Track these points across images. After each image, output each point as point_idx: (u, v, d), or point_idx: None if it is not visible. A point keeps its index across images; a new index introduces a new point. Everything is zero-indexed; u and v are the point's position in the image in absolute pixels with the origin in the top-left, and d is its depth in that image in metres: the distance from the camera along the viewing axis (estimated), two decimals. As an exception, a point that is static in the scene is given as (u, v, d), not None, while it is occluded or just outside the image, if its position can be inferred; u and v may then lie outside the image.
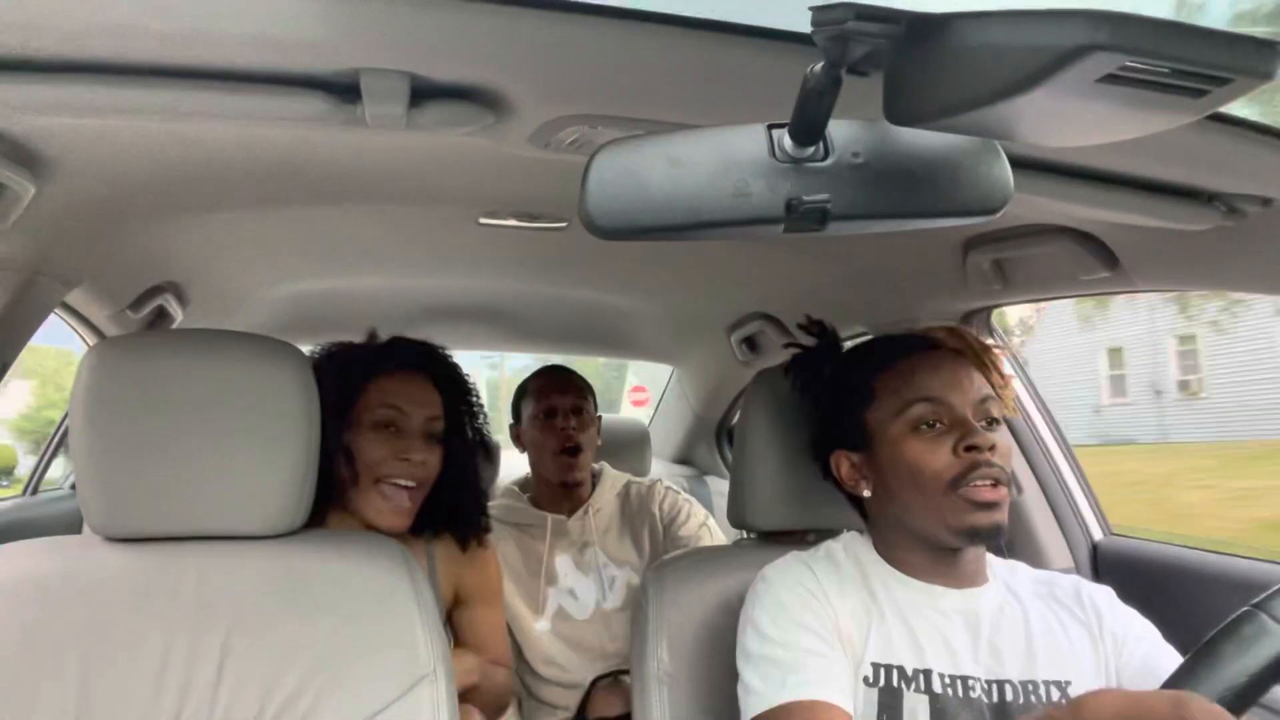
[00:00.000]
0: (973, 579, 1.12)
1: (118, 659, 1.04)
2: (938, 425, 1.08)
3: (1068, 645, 1.08)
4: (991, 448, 1.05)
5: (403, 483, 1.41)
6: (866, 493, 1.15)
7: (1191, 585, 1.54)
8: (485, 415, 1.60)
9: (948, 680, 1.05)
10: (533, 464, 2.08)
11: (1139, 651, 1.08)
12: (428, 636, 1.10)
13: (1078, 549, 1.78)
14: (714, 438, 3.09)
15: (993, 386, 1.12)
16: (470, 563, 1.57)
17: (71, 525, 1.87)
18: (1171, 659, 1.05)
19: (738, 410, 2.80)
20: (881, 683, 1.05)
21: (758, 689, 1.04)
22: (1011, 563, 1.19)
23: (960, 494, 1.04)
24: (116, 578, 1.08)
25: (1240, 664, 0.76)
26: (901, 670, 1.05)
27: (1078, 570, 1.76)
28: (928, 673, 1.05)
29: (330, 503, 1.41)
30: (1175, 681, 0.81)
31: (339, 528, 1.43)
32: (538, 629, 1.94)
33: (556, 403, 2.02)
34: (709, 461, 3.13)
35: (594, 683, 1.88)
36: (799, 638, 1.05)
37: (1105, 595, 1.14)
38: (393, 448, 1.41)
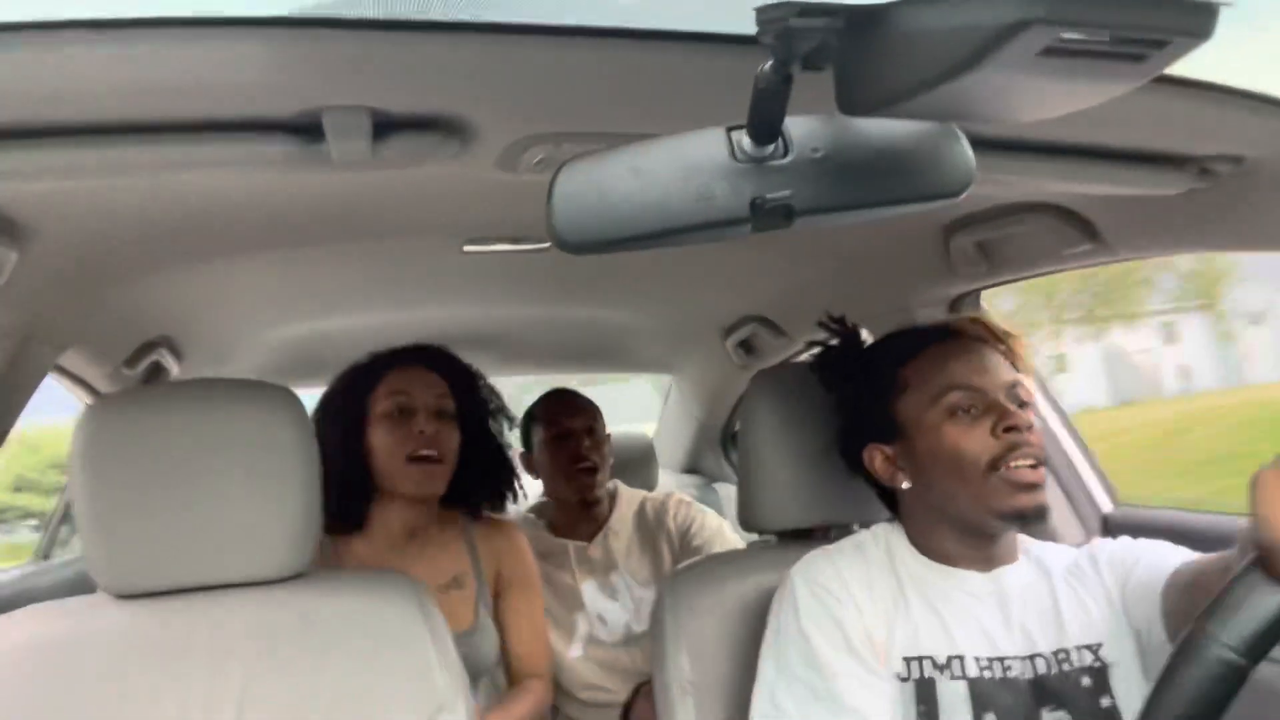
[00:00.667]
0: (1003, 559, 1.12)
1: (136, 714, 1.04)
2: (973, 410, 1.08)
3: (1095, 609, 1.08)
4: (1029, 427, 1.06)
5: (425, 453, 1.52)
6: (906, 484, 1.14)
7: (1201, 548, 1.53)
8: (498, 395, 1.72)
9: (984, 663, 1.04)
10: (548, 489, 2.07)
11: (1137, 572, 1.08)
12: (444, 668, 1.10)
13: (1088, 522, 1.77)
14: (719, 444, 3.09)
15: (1017, 372, 1.13)
16: (508, 549, 1.65)
17: (86, 589, 1.87)
18: (1175, 554, 1.07)
19: (740, 414, 2.81)
20: (915, 675, 1.05)
21: (790, 712, 1.04)
22: (1046, 544, 1.19)
23: (1001, 475, 1.04)
24: (129, 635, 1.09)
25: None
26: (933, 660, 1.05)
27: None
28: (961, 658, 1.05)
29: (370, 498, 1.55)
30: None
31: (383, 514, 1.55)
32: (570, 656, 1.92)
33: (569, 426, 2.00)
34: (716, 468, 3.13)
35: (637, 689, 1.84)
36: (829, 658, 1.04)
37: (1112, 544, 1.15)
38: (409, 427, 1.52)
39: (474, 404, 1.64)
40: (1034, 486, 1.05)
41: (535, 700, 1.64)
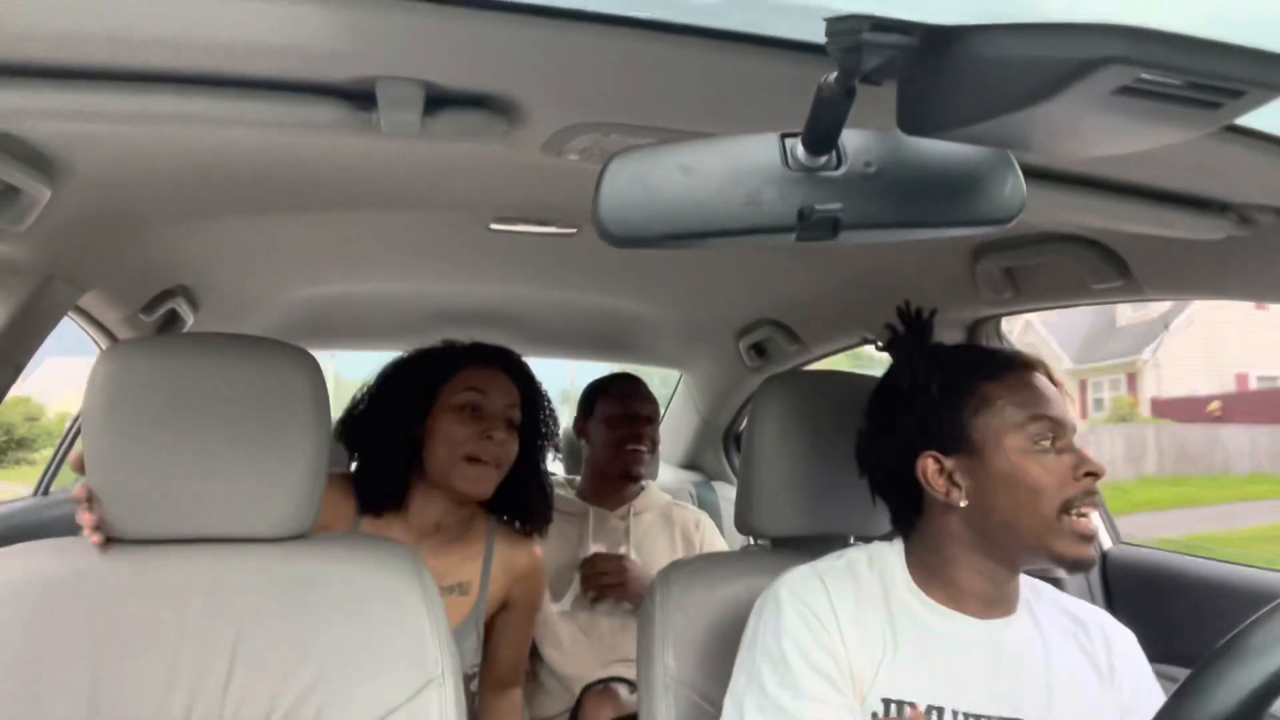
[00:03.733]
0: (1005, 607, 1.09)
1: (128, 660, 1.05)
2: (1056, 446, 1.05)
3: (1084, 688, 1.06)
4: (1101, 474, 1.04)
5: (486, 459, 1.53)
6: (962, 502, 1.07)
7: (1199, 594, 1.54)
8: (557, 421, 1.73)
9: (960, 718, 1.03)
10: (596, 458, 2.19)
11: (1131, 699, 1.06)
12: (436, 641, 1.11)
13: (1087, 558, 1.77)
14: (721, 443, 3.09)
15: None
16: (526, 570, 1.66)
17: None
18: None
19: (745, 416, 2.81)
20: (892, 718, 1.03)
21: None
22: (1033, 582, 1.15)
23: (1070, 520, 1.02)
24: (127, 579, 1.09)
25: None
26: (913, 707, 1.03)
27: (1086, 579, 1.75)
28: (940, 710, 1.03)
29: (413, 483, 1.56)
30: None
31: (420, 502, 1.56)
32: (555, 608, 1.98)
33: (636, 410, 2.16)
34: (716, 467, 3.13)
35: (585, 690, 1.89)
36: (804, 681, 1.02)
37: (1125, 640, 1.12)
38: (478, 427, 1.53)
39: (537, 422, 1.66)
40: (1091, 539, 1.04)
41: (519, 713, 1.71)
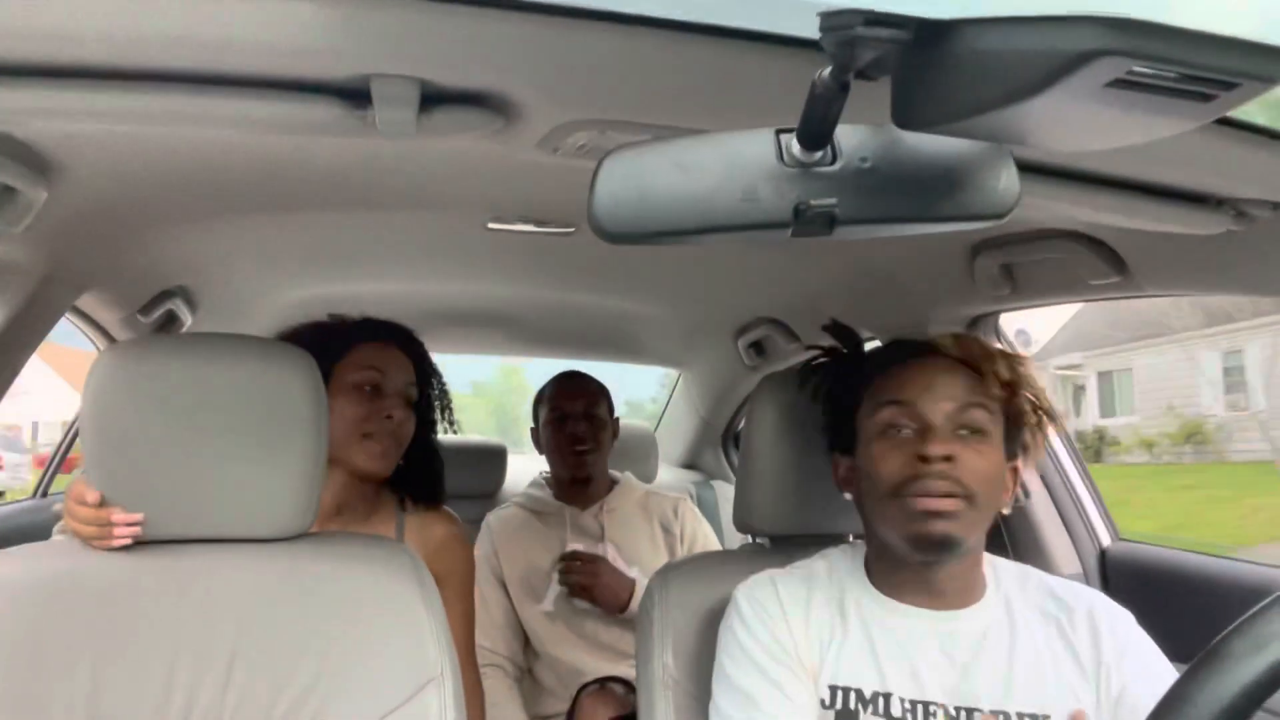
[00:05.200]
0: (956, 599, 1.08)
1: (127, 660, 1.05)
2: (904, 430, 1.05)
3: (1053, 676, 1.03)
4: (947, 458, 1.01)
5: (385, 437, 1.50)
6: (846, 495, 1.15)
7: (1199, 591, 1.54)
8: (448, 394, 1.70)
9: (908, 705, 1.02)
10: (549, 465, 2.17)
11: (1118, 682, 1.02)
12: (436, 640, 1.10)
13: (1086, 555, 1.77)
14: (720, 442, 3.09)
15: (990, 396, 1.06)
16: (442, 541, 1.60)
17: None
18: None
19: (744, 415, 2.81)
20: (838, 705, 1.04)
21: (727, 713, 1.07)
22: (1026, 571, 1.14)
23: (903, 500, 1.02)
24: (126, 580, 1.09)
25: None
26: (860, 693, 1.04)
27: (1085, 576, 1.75)
28: (888, 696, 1.03)
29: None
30: None
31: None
32: (539, 610, 1.99)
33: (568, 409, 2.09)
34: (715, 466, 3.13)
35: (581, 689, 1.88)
36: (762, 667, 1.07)
37: (1114, 622, 1.07)
38: (376, 406, 1.50)
39: (431, 397, 1.64)
40: (933, 515, 1.00)
41: (477, 692, 1.64)
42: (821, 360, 1.27)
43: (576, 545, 2.03)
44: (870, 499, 1.08)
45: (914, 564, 1.07)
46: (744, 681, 1.07)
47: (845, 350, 1.25)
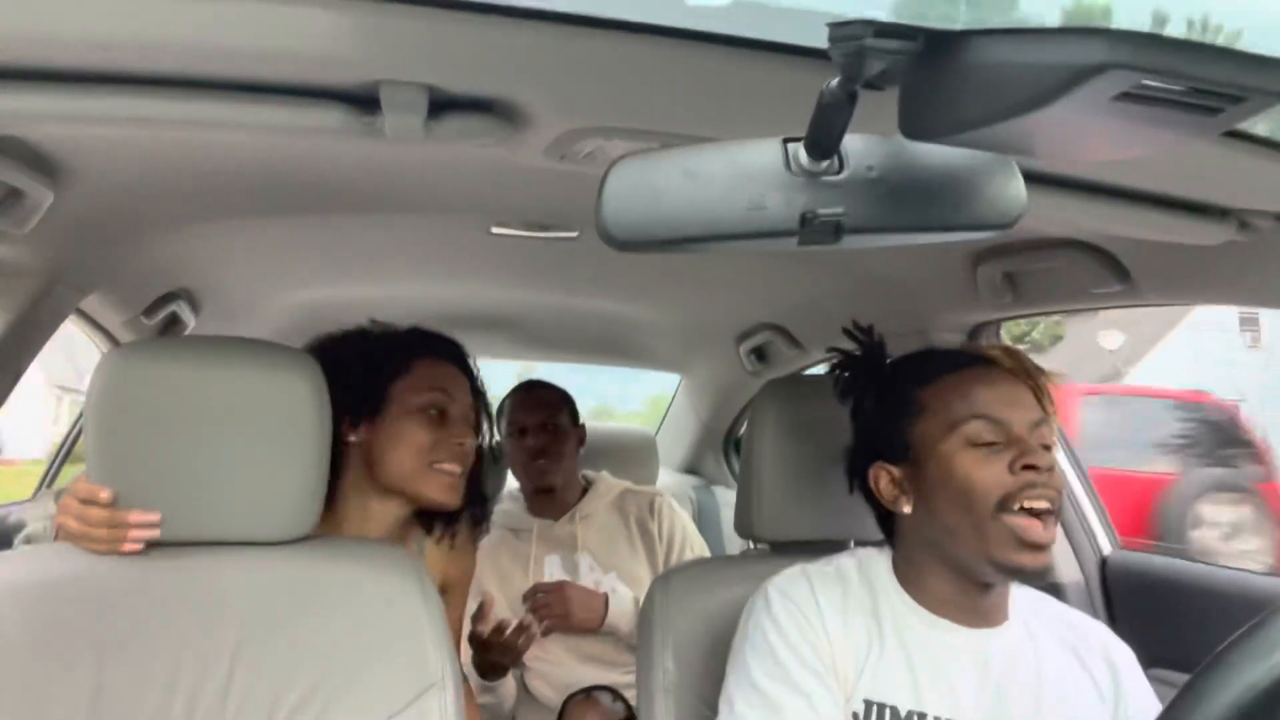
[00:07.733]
0: (991, 618, 1.07)
1: (129, 663, 1.05)
2: (994, 444, 1.02)
3: (1076, 699, 1.04)
4: (1050, 468, 1.00)
5: (457, 467, 1.39)
6: (907, 509, 1.08)
7: (1198, 600, 1.54)
8: (494, 418, 1.62)
9: None
10: (514, 475, 2.18)
11: (1136, 716, 1.04)
12: (437, 645, 1.10)
13: (1086, 563, 1.77)
14: (721, 448, 3.09)
15: (1044, 412, 1.07)
16: (459, 554, 1.54)
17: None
18: None
19: (745, 420, 2.81)
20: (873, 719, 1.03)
21: (742, 714, 1.03)
22: (1035, 594, 1.14)
23: (1009, 521, 0.99)
24: (128, 582, 1.09)
25: None
26: (895, 711, 1.03)
27: (1086, 584, 1.75)
28: (923, 716, 1.02)
29: (346, 493, 1.37)
30: None
31: (363, 517, 1.39)
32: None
33: (525, 421, 2.10)
34: (716, 471, 3.13)
35: (568, 700, 1.86)
36: (791, 673, 1.03)
37: (1126, 656, 1.10)
38: (445, 432, 1.38)
39: (480, 419, 1.49)
40: (1039, 547, 0.99)
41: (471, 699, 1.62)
42: (845, 363, 1.22)
43: (552, 559, 2.01)
44: (955, 515, 1.02)
45: (976, 584, 1.05)
46: (768, 686, 1.03)
47: (869, 355, 1.21)
